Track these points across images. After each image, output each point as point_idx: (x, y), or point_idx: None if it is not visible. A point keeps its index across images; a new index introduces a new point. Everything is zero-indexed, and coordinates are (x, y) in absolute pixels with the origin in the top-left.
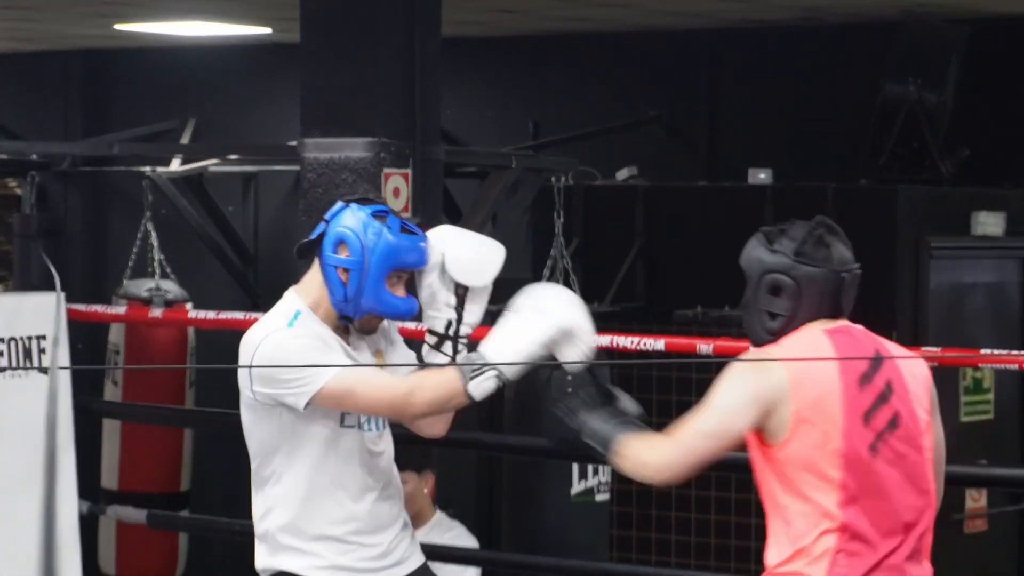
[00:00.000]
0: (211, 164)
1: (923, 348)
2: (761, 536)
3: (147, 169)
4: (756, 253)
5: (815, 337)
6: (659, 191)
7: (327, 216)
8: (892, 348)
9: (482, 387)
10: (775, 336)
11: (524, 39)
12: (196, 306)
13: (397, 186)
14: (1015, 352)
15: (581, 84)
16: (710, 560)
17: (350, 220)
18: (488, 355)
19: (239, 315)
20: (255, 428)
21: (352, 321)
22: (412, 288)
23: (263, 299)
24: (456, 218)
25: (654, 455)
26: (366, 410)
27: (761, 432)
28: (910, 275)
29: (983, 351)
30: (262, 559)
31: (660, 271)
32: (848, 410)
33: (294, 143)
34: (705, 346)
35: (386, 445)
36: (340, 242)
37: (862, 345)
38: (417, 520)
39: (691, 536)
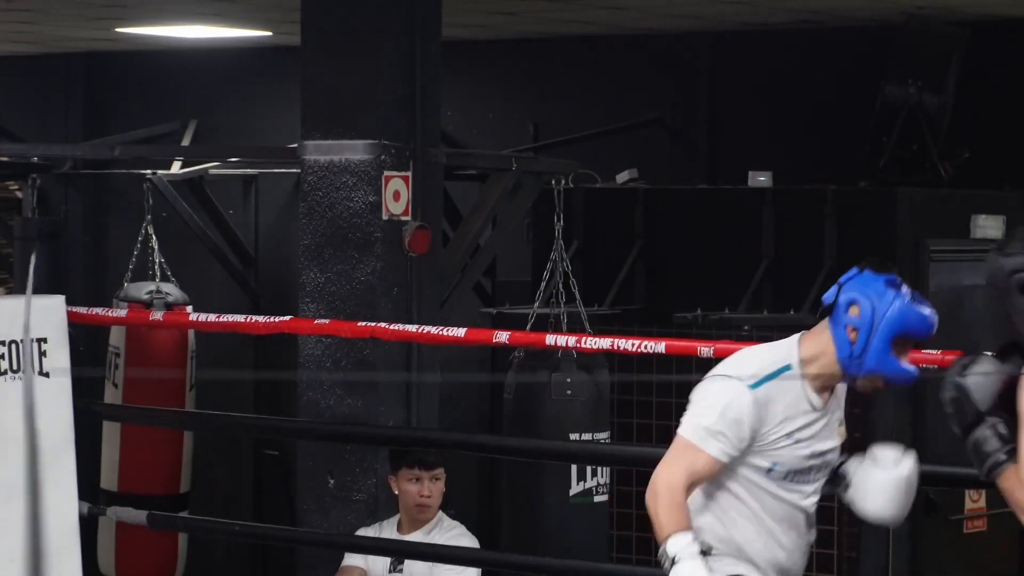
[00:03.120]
0: (212, 167)
1: (923, 351)
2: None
3: (148, 172)
4: (995, 264)
5: None
6: (659, 193)
7: (842, 280)
8: None
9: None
10: None
11: (524, 42)
12: (196, 309)
13: (397, 188)
14: None
15: (581, 87)
16: None
17: (864, 286)
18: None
19: (239, 318)
20: None
21: (855, 380)
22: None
23: (263, 301)
24: (456, 220)
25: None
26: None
27: None
28: (910, 277)
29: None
30: None
31: (660, 273)
32: None
33: (295, 146)
34: (705, 348)
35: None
36: (852, 303)
37: None
38: (421, 521)
39: None
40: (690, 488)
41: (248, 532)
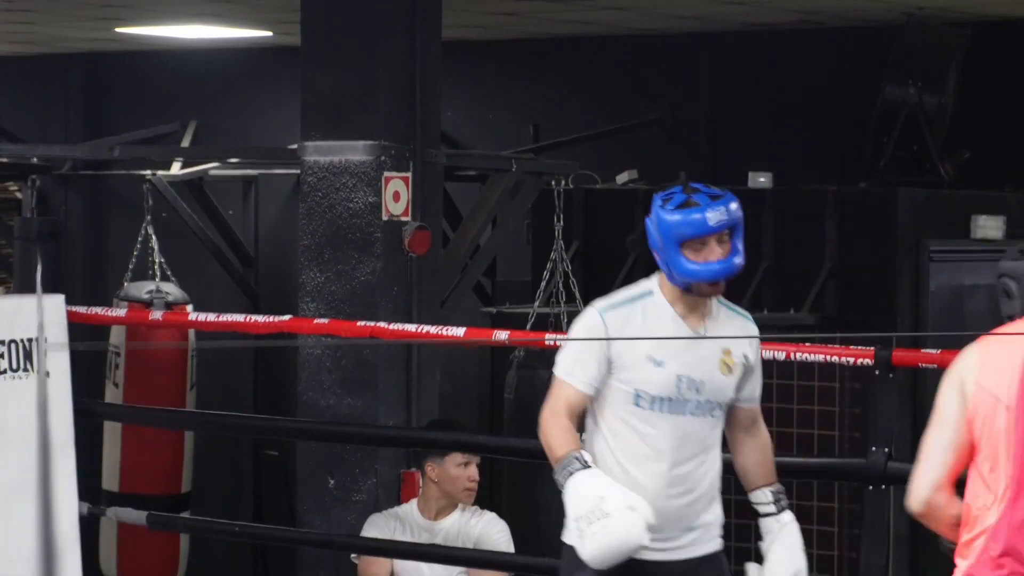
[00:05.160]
0: (212, 167)
1: (922, 351)
2: (761, 536)
3: (148, 172)
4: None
5: None
6: None
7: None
8: None
9: (558, 480)
10: None
11: (524, 42)
12: (196, 308)
13: (397, 189)
14: None
15: (581, 87)
16: None
17: (652, 207)
18: (562, 480)
19: (239, 317)
20: None
21: (691, 288)
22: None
23: (263, 301)
24: (456, 221)
25: None
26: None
27: None
28: (910, 278)
29: None
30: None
31: None
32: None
33: (294, 146)
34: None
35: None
36: (645, 231)
37: None
38: (455, 506)
39: None
40: (572, 418)
41: (248, 532)
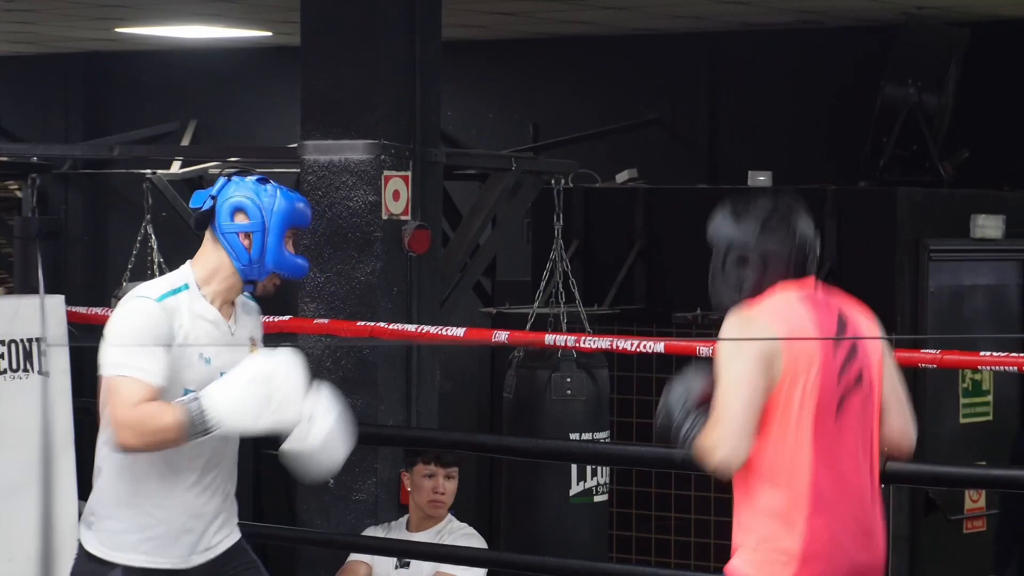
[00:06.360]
0: (211, 166)
1: (922, 350)
2: None
3: (147, 171)
4: None
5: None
6: (659, 193)
7: (213, 192)
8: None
9: (198, 439)
10: None
11: (524, 42)
12: None
13: (397, 188)
14: (1014, 354)
15: (581, 87)
16: (710, 560)
17: (241, 190)
18: (212, 414)
19: None
20: None
21: (256, 285)
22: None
23: (262, 301)
24: (456, 220)
25: (713, 445)
26: (110, 417)
27: None
28: (909, 277)
29: (982, 353)
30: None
31: (660, 273)
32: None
33: (294, 145)
34: (705, 348)
35: None
36: (237, 210)
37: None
38: (432, 519)
39: (691, 536)
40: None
41: (248, 532)
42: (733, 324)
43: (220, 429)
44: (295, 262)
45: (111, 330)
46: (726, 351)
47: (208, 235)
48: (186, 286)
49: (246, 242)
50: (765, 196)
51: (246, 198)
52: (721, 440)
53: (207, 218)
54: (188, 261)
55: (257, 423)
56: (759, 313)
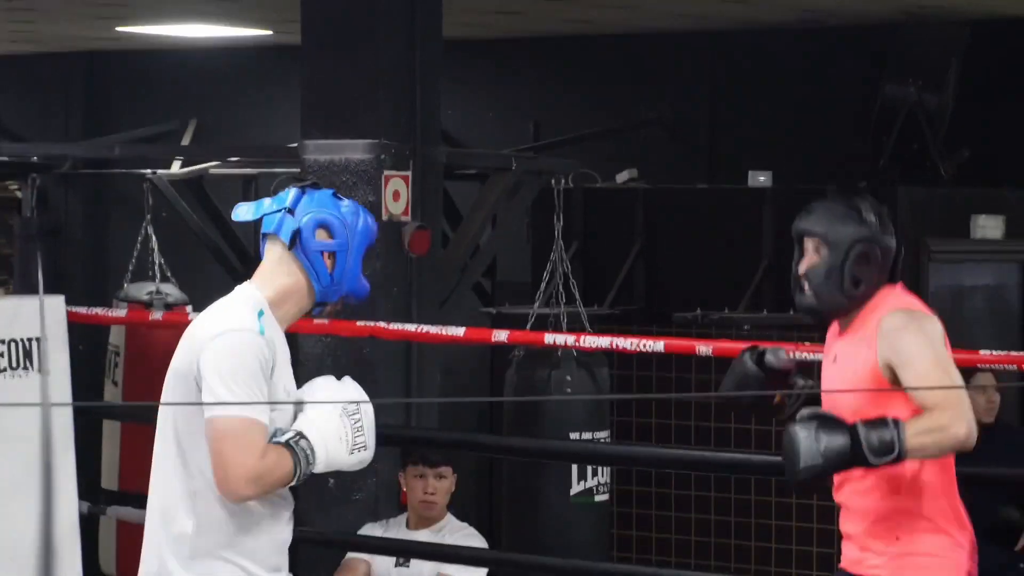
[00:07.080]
0: (212, 166)
1: None
2: (761, 535)
3: (148, 171)
4: None
5: None
6: (659, 193)
7: (288, 204)
8: None
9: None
10: None
11: (525, 41)
12: (196, 309)
13: (397, 188)
14: (1014, 353)
15: (581, 86)
16: (710, 560)
17: (323, 204)
18: (320, 454)
19: None
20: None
21: (324, 308)
22: None
23: None
24: (456, 220)
25: (953, 422)
26: (215, 463)
27: None
28: (910, 277)
29: (982, 352)
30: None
31: (660, 273)
32: None
33: (294, 145)
34: (704, 348)
35: None
36: (320, 226)
37: None
38: (428, 519)
39: (691, 536)
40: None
41: None
42: (906, 317)
43: (319, 468)
44: (366, 284)
45: (219, 366)
46: (914, 336)
47: (277, 251)
48: (262, 312)
49: (328, 262)
50: (859, 194)
51: (331, 215)
52: (960, 416)
53: (288, 234)
54: (246, 283)
55: (349, 459)
56: (919, 306)
